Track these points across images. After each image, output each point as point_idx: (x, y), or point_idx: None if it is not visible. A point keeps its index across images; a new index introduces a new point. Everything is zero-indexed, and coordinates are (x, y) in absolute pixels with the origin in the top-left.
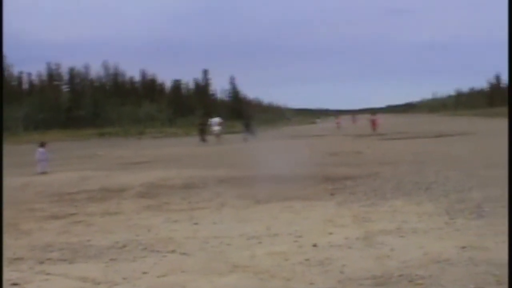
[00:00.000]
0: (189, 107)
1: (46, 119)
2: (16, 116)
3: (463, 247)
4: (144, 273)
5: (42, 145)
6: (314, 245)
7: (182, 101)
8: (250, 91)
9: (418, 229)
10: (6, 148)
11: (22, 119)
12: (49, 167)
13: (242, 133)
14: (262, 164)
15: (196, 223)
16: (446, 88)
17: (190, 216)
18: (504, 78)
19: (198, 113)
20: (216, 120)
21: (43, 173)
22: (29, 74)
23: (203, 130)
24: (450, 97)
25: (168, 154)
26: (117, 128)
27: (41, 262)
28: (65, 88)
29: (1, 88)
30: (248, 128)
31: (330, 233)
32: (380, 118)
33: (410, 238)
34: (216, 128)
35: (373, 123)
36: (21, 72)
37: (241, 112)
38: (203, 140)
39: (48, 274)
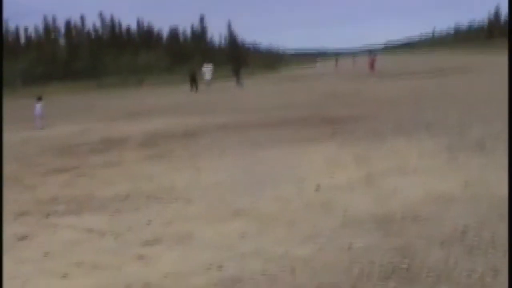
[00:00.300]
0: (186, 55)
1: (44, 73)
2: (14, 71)
3: (465, 184)
4: (148, 222)
5: (39, 99)
6: (317, 187)
7: (180, 48)
8: (248, 36)
9: (420, 167)
10: (5, 103)
11: (21, 74)
12: (49, 120)
13: (235, 80)
14: (261, 109)
15: (198, 171)
16: (445, 24)
17: (192, 163)
18: (503, 12)
19: (196, 60)
20: (208, 67)
21: (42, 127)
22: (26, 28)
23: (193, 80)
24: (449, 33)
25: (167, 103)
26: (116, 78)
27: (47, 215)
28: (62, 41)
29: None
30: (237, 74)
31: (332, 175)
32: (378, 59)
33: (412, 176)
34: (207, 75)
35: (371, 64)
36: (17, 27)
37: (239, 58)
38: (194, 89)
39: (54, 226)
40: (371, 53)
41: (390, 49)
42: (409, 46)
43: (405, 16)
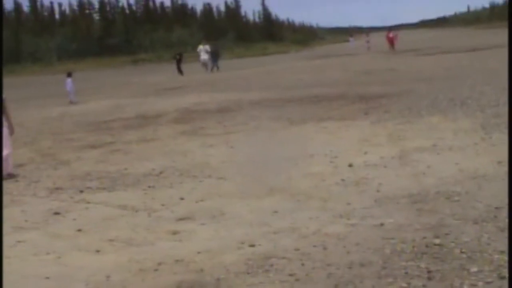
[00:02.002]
0: (220, 31)
1: (79, 49)
2: (49, 47)
3: (500, 162)
4: (182, 198)
5: (69, 75)
6: (350, 165)
7: (213, 24)
8: (282, 11)
9: (454, 146)
10: (41, 78)
11: (56, 50)
12: (83, 96)
13: (211, 62)
14: (295, 86)
15: (232, 147)
16: (480, 0)
17: (225, 140)
18: None
19: (229, 36)
20: (206, 47)
21: (72, 102)
22: (60, 4)
23: (179, 61)
24: (484, 9)
25: (200, 79)
26: (150, 54)
27: (81, 191)
28: (96, 16)
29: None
30: (215, 56)
31: (366, 153)
32: (398, 35)
33: (446, 155)
34: (204, 57)
35: (391, 41)
36: (52, 3)
37: (273, 34)
38: (180, 72)
39: (88, 202)
40: (390, 29)
41: (424, 25)
42: (444, 23)
43: None
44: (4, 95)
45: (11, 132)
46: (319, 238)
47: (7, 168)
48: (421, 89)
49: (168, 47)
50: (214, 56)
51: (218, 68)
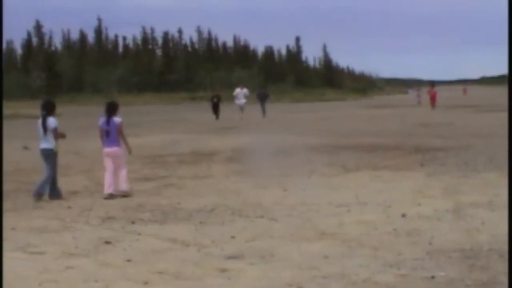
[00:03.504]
0: (280, 74)
1: (139, 83)
2: (111, 79)
3: None
4: (232, 237)
5: None
6: (403, 215)
7: (274, 67)
8: (342, 59)
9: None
10: (100, 109)
11: (116, 82)
12: (141, 129)
13: (260, 106)
14: (351, 133)
15: (285, 190)
16: None
17: (279, 182)
18: None
19: (289, 80)
20: (244, 91)
21: None
22: (124, 38)
23: (217, 105)
24: None
25: (257, 120)
26: (209, 92)
27: (133, 222)
28: (159, 52)
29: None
30: (263, 100)
31: (419, 204)
32: (472, 90)
33: (501, 212)
34: (241, 101)
35: (432, 97)
36: (116, 36)
37: (332, 81)
38: (216, 116)
39: (139, 234)
40: (433, 85)
41: (486, 81)
42: (506, 80)
43: (501, 48)
44: (121, 119)
45: (129, 151)
46: (369, 286)
47: (122, 186)
48: (479, 145)
49: (227, 87)
50: (263, 99)
51: (265, 113)
